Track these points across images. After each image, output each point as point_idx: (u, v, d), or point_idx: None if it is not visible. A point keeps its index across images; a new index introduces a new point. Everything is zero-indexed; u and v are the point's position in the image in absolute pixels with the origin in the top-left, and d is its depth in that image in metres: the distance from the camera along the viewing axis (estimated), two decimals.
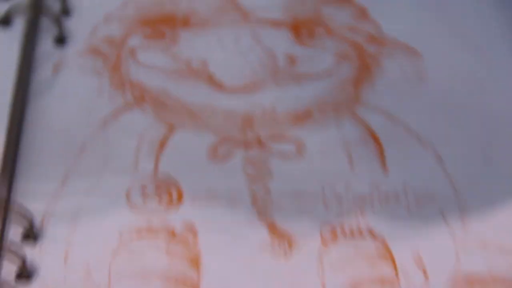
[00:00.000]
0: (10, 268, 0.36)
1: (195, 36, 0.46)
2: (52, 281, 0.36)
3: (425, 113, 0.43)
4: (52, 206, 0.38)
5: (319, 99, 0.43)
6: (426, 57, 0.46)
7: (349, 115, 0.43)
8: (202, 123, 0.42)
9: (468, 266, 0.37)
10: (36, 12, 0.46)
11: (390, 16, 0.48)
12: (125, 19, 0.47)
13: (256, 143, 0.41)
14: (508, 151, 0.41)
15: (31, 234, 0.37)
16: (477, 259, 0.37)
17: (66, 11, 0.47)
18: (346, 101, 0.43)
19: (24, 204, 0.38)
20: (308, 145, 0.41)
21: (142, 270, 0.36)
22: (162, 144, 0.41)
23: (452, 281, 0.36)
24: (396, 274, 0.36)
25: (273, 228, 0.38)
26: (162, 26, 0.47)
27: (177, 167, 0.40)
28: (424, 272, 0.37)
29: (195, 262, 0.37)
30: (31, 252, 0.37)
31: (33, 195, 0.38)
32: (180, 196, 0.39)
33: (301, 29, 0.47)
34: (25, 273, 0.36)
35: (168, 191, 0.39)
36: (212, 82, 0.44)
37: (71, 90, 0.43)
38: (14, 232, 0.37)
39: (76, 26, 0.47)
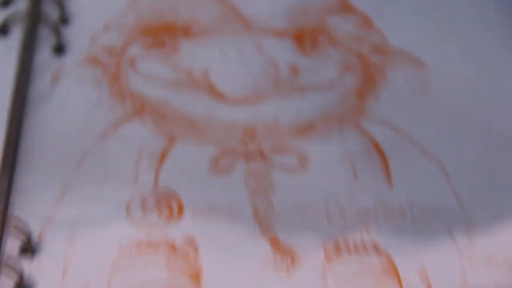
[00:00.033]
0: (7, 283, 0.36)
1: (196, 45, 0.47)
2: None
3: (431, 125, 0.43)
4: (50, 219, 0.38)
5: (323, 110, 0.43)
6: (431, 68, 0.46)
7: (353, 127, 0.43)
8: (203, 134, 0.42)
9: (474, 282, 0.37)
10: (34, 20, 0.47)
11: (395, 25, 0.48)
12: (125, 27, 0.47)
13: (258, 155, 0.41)
14: None
15: (29, 248, 0.37)
16: (483, 275, 0.37)
17: (64, 20, 0.48)
18: (350, 113, 0.44)
19: (21, 217, 0.38)
20: (311, 158, 0.41)
21: (141, 285, 0.36)
22: (163, 156, 0.41)
23: None
24: None
25: (275, 243, 0.38)
26: (163, 35, 0.47)
27: (178, 179, 0.40)
28: None
29: (196, 277, 0.37)
30: (29, 267, 0.37)
31: (31, 208, 0.39)
32: (180, 209, 0.39)
33: (304, 38, 0.47)
34: None
35: (169, 204, 0.39)
36: (214, 92, 0.44)
37: (69, 100, 0.44)
38: (12, 246, 0.37)
39: (75, 35, 0.47)
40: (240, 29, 0.48)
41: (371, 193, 0.40)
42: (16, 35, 0.46)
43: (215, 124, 0.43)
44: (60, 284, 0.36)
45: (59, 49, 0.46)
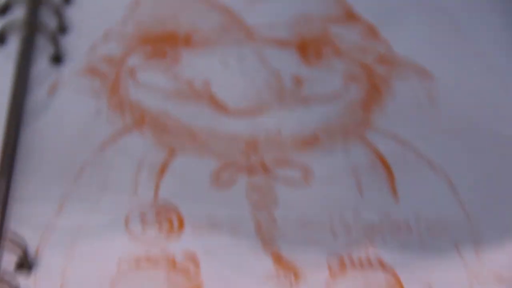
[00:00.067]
0: None
1: (198, 55, 0.47)
2: None
3: (437, 137, 0.43)
4: (48, 233, 0.38)
5: (327, 122, 0.44)
6: (438, 79, 0.46)
7: (358, 139, 0.43)
8: (204, 147, 0.42)
9: None
10: (31, 29, 0.47)
11: (401, 35, 0.48)
12: (125, 37, 0.48)
13: (260, 169, 0.42)
14: None
15: (26, 263, 0.37)
16: None
17: (62, 29, 0.48)
18: (354, 125, 0.44)
19: (18, 231, 0.38)
20: (315, 171, 0.42)
21: None
22: (163, 169, 0.41)
23: None
24: None
25: (278, 259, 0.38)
26: (163, 44, 0.47)
27: (178, 193, 0.40)
28: None
29: None
30: (25, 282, 0.37)
31: (27, 222, 0.39)
32: (181, 224, 0.39)
33: (308, 48, 0.47)
34: None
35: (169, 218, 0.40)
36: (215, 103, 0.44)
37: (67, 111, 0.44)
38: (7, 261, 0.37)
39: (73, 44, 0.47)
40: (243, 39, 0.48)
41: (377, 207, 0.40)
42: (13, 45, 0.47)
43: (216, 136, 0.43)
44: None
45: (57, 59, 0.46)
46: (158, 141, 0.43)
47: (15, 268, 0.37)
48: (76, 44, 0.47)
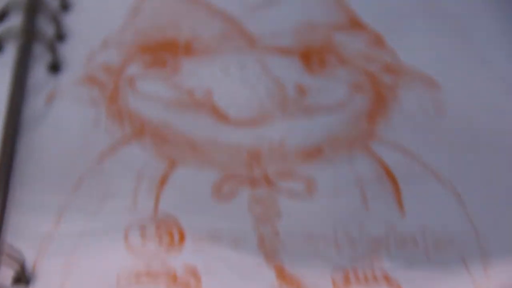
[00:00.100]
0: None
1: (198, 64, 0.47)
2: None
3: (444, 149, 0.43)
4: (45, 247, 0.39)
5: (331, 133, 0.44)
6: (445, 88, 0.46)
7: (363, 151, 0.43)
8: (205, 158, 0.43)
9: None
10: (28, 37, 0.47)
11: (408, 43, 0.48)
12: (124, 45, 0.48)
13: (263, 181, 0.42)
14: None
15: (23, 278, 0.37)
16: None
17: (60, 37, 0.48)
18: (359, 136, 0.44)
19: (15, 244, 0.38)
20: (319, 183, 0.42)
21: None
22: (163, 181, 0.41)
23: None
24: None
25: (281, 273, 0.38)
26: (163, 53, 0.47)
27: (179, 205, 0.41)
28: None
29: None
30: None
31: (25, 235, 0.39)
32: (181, 237, 0.39)
33: (312, 57, 0.47)
34: None
35: (169, 231, 0.40)
36: (217, 113, 0.45)
37: (65, 121, 0.44)
38: (4, 276, 0.37)
39: (71, 52, 0.47)
40: (245, 47, 0.48)
41: (382, 221, 0.40)
42: (10, 53, 0.47)
43: (218, 147, 0.43)
44: None
45: (55, 67, 0.46)
46: (158, 152, 0.43)
47: (12, 283, 0.37)
48: (74, 52, 0.47)
